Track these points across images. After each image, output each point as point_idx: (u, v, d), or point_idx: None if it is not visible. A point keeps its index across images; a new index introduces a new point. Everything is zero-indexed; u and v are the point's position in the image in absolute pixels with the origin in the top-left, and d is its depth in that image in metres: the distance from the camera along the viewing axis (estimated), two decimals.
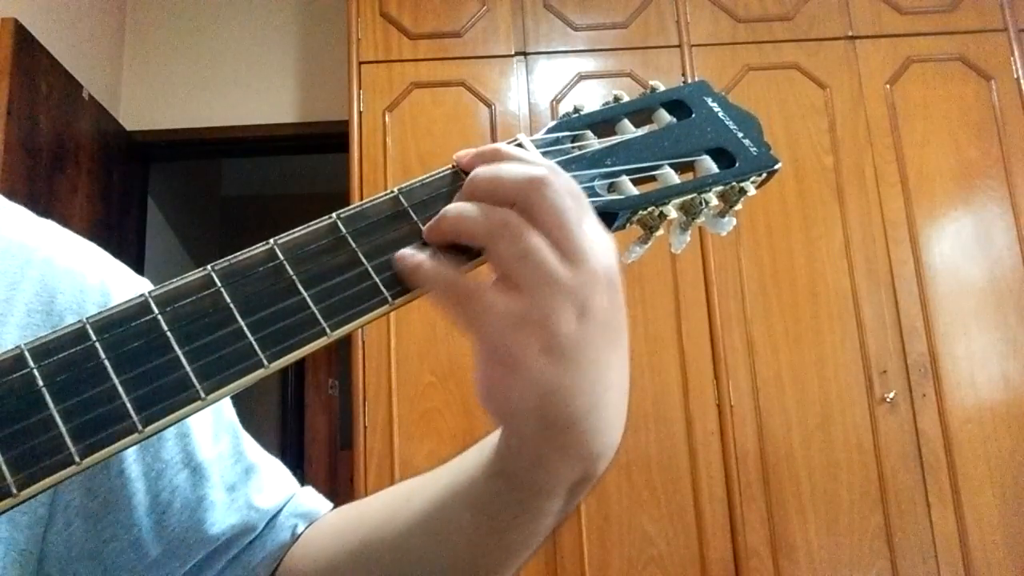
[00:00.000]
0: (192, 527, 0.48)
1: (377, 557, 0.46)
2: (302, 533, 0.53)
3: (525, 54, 2.34)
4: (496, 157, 0.37)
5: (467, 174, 0.37)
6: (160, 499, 0.48)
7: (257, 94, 2.94)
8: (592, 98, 0.45)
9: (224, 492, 0.51)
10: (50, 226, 0.53)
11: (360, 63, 2.32)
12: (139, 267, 2.92)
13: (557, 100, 2.30)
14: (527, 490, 0.38)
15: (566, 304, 0.33)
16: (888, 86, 2.32)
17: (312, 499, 0.56)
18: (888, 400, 2.10)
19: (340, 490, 4.54)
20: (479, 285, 0.33)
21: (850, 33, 2.35)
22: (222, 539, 0.49)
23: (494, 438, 0.40)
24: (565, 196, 0.34)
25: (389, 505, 0.48)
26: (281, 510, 0.53)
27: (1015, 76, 2.32)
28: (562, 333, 0.33)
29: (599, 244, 0.35)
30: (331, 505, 0.56)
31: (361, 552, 0.47)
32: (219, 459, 0.51)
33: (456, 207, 0.35)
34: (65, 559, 0.44)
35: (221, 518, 0.50)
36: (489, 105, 2.29)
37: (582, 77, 2.32)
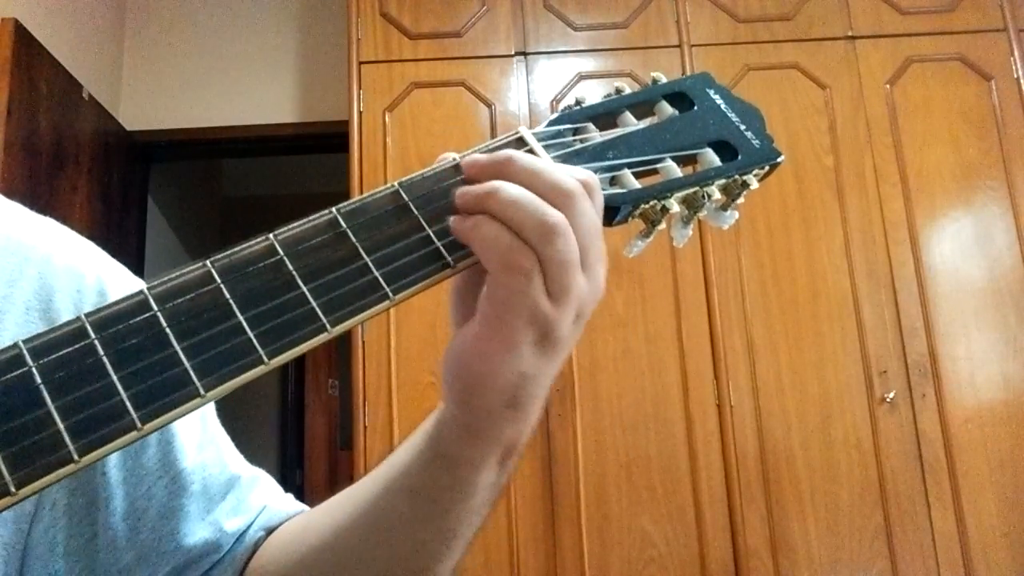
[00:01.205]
0: (166, 536, 0.48)
1: (323, 558, 0.47)
2: (263, 541, 0.53)
3: (525, 54, 2.34)
4: (507, 168, 0.37)
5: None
6: (136, 506, 0.48)
7: (257, 94, 2.93)
8: (592, 98, 0.45)
9: (202, 504, 0.50)
10: (48, 224, 0.53)
11: (360, 63, 2.32)
12: (139, 267, 2.91)
13: (557, 100, 2.30)
14: (463, 467, 0.40)
15: (574, 311, 0.36)
16: (888, 86, 2.31)
17: (285, 507, 0.55)
18: (888, 400, 2.10)
19: (340, 490, 4.50)
20: (533, 270, 0.34)
21: (850, 33, 2.35)
22: (194, 551, 0.49)
23: (424, 428, 0.42)
24: (593, 216, 0.36)
25: (334, 508, 0.48)
26: (251, 525, 0.53)
27: (1015, 76, 2.31)
28: (561, 333, 0.36)
29: (605, 263, 0.38)
30: (305, 508, 0.56)
31: (308, 555, 0.48)
32: (201, 468, 0.51)
33: (506, 193, 0.35)
34: (48, 556, 0.44)
35: (195, 530, 0.49)
36: (489, 105, 2.29)
37: (582, 77, 2.32)
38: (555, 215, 0.34)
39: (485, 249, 0.35)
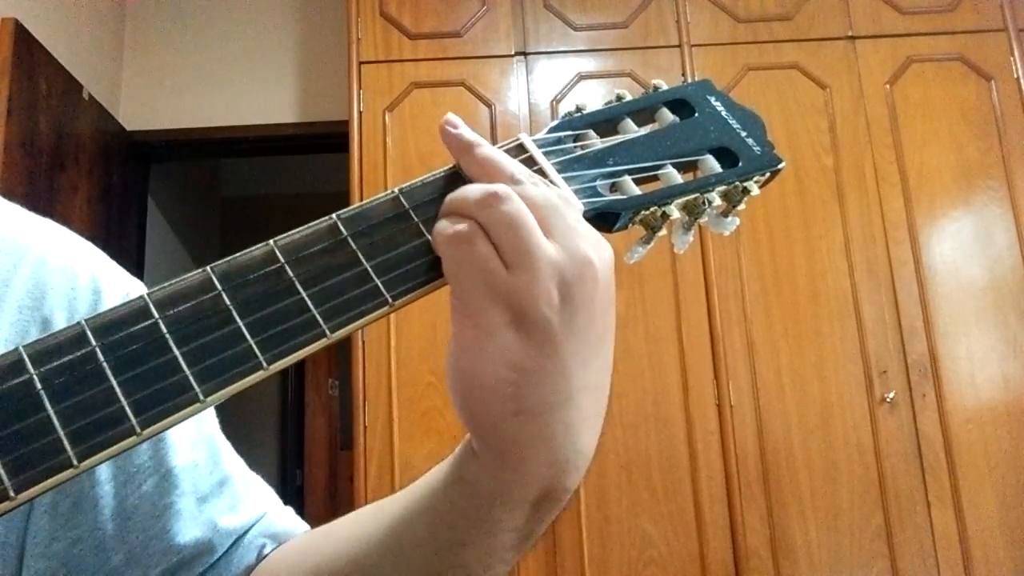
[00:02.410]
0: (156, 535, 0.47)
1: (341, 572, 0.45)
2: (269, 553, 0.51)
3: (525, 54, 2.34)
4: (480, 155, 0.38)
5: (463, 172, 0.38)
6: (126, 504, 0.47)
7: (257, 94, 2.93)
8: (592, 98, 0.45)
9: (193, 503, 0.49)
10: (45, 224, 0.52)
11: (360, 63, 2.32)
12: (139, 267, 2.91)
13: (557, 100, 2.29)
14: (484, 497, 0.37)
15: (547, 283, 0.33)
16: (888, 86, 2.31)
17: (286, 519, 0.54)
18: (888, 400, 2.10)
19: (340, 490, 4.53)
20: (474, 234, 0.34)
21: (850, 33, 2.35)
22: (186, 551, 0.48)
23: (455, 451, 0.40)
24: (548, 191, 0.36)
25: (354, 524, 0.47)
26: (249, 529, 0.52)
27: (1015, 76, 2.31)
28: (536, 311, 0.33)
29: (593, 239, 0.35)
30: (307, 527, 0.54)
31: (325, 567, 0.46)
32: (193, 467, 0.50)
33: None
34: (35, 556, 0.44)
35: (186, 529, 0.48)
36: (489, 105, 2.29)
37: (582, 77, 2.32)
38: (492, 185, 0.35)
39: (439, 241, 0.35)
